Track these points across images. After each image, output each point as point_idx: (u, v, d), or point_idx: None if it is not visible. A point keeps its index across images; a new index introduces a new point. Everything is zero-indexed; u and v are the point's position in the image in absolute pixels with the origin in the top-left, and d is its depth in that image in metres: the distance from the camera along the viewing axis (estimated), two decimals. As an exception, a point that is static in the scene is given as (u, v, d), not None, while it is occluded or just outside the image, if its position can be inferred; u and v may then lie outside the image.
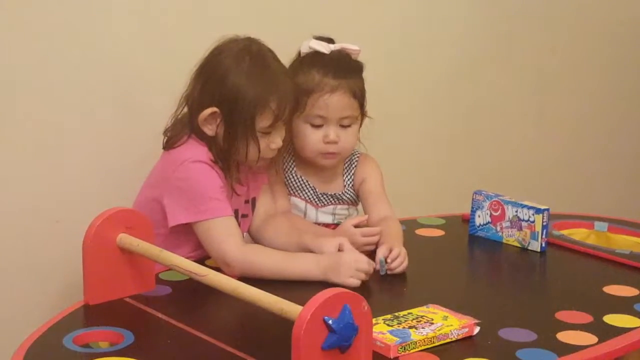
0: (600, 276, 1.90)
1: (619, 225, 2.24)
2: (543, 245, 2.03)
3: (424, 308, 1.63)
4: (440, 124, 2.76)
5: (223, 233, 1.81)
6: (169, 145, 1.89)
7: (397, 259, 1.86)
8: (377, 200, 2.07)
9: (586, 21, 3.04)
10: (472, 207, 2.14)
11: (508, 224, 2.08)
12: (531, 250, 2.05)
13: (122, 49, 2.09)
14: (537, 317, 1.67)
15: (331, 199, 2.09)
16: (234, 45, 1.88)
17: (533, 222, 2.03)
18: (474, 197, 2.14)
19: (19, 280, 2.04)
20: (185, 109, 1.90)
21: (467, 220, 2.17)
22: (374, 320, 1.42)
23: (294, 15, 2.33)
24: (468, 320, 1.58)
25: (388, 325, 1.54)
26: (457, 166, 2.82)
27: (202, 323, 1.59)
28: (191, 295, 1.70)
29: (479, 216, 2.13)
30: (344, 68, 1.99)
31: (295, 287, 1.74)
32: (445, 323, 1.56)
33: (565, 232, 2.18)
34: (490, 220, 2.11)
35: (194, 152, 1.85)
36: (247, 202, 1.98)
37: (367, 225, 1.99)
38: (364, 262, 1.78)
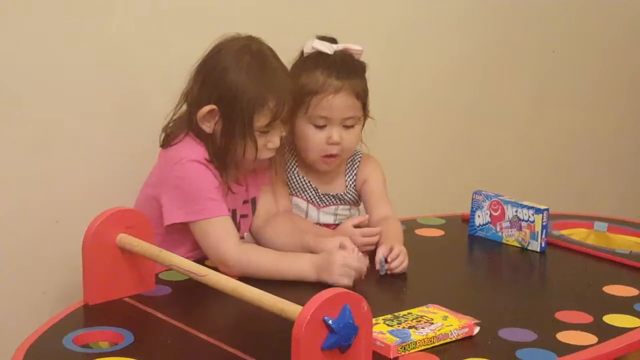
0: (600, 276, 1.90)
1: (618, 225, 2.25)
2: (543, 245, 2.03)
3: (423, 308, 1.63)
4: (440, 124, 2.76)
5: (219, 233, 1.81)
6: (166, 143, 1.89)
7: (397, 258, 1.86)
8: (379, 201, 2.07)
9: (586, 21, 3.04)
10: (472, 207, 2.14)
11: (508, 224, 2.08)
12: (531, 250, 2.05)
13: (123, 50, 2.09)
14: (537, 317, 1.67)
15: (333, 200, 2.09)
16: (234, 43, 1.88)
17: (533, 222, 2.03)
18: (474, 197, 2.14)
19: (19, 280, 2.04)
20: (185, 107, 1.90)
21: (467, 220, 2.17)
22: (374, 320, 1.42)
23: (294, 15, 2.33)
24: (468, 320, 1.58)
25: (388, 325, 1.54)
26: (457, 166, 2.82)
27: (202, 323, 1.59)
28: (191, 295, 1.70)
29: (478, 216, 2.13)
30: (347, 69, 1.99)
31: (296, 287, 1.74)
32: (445, 323, 1.56)
33: (565, 232, 2.18)
34: (490, 220, 2.11)
35: (190, 151, 1.85)
36: (246, 202, 1.98)
37: (367, 226, 1.99)
38: (353, 260, 1.77)
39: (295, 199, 2.07)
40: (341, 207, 2.10)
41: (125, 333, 1.52)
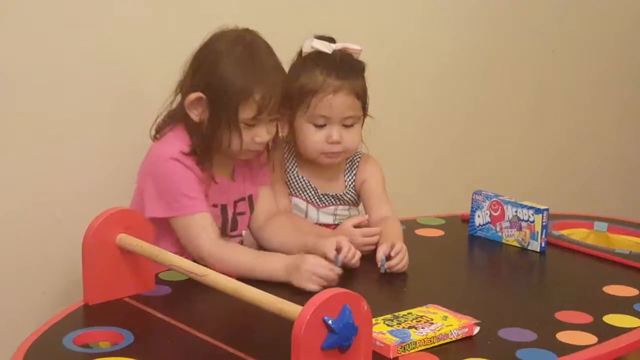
0: (600, 276, 1.90)
1: (618, 225, 2.24)
2: (543, 245, 2.03)
3: (423, 308, 1.63)
4: (440, 124, 2.76)
5: (195, 229, 1.82)
6: (155, 137, 1.91)
7: (399, 255, 1.85)
8: (378, 201, 2.07)
9: (586, 21, 3.04)
10: (472, 207, 2.14)
11: (508, 224, 2.08)
12: (531, 250, 2.05)
13: (123, 49, 2.09)
14: (537, 317, 1.67)
15: (332, 200, 2.09)
16: (230, 34, 1.88)
17: (533, 222, 2.03)
18: (474, 197, 2.14)
19: (19, 280, 2.04)
20: (180, 97, 1.90)
21: (467, 220, 2.17)
22: (373, 320, 1.42)
23: (293, 15, 2.33)
24: (468, 320, 1.58)
25: (388, 325, 1.54)
26: (457, 166, 2.82)
27: (202, 323, 1.59)
28: (191, 295, 1.70)
29: (478, 216, 2.13)
30: (347, 68, 1.99)
31: (295, 287, 1.74)
32: (445, 323, 1.56)
33: (565, 232, 2.18)
34: (489, 220, 2.11)
35: (170, 146, 1.86)
36: (243, 199, 1.98)
37: (367, 226, 2.00)
38: (324, 268, 1.74)
39: (295, 199, 2.07)
40: (340, 207, 2.10)
41: (125, 333, 1.52)
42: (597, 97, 3.15)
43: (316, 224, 2.06)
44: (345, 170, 2.11)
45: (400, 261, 1.86)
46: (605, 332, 1.59)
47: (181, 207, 1.83)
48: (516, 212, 2.06)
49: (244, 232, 1.99)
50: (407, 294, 1.83)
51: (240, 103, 1.83)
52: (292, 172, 2.07)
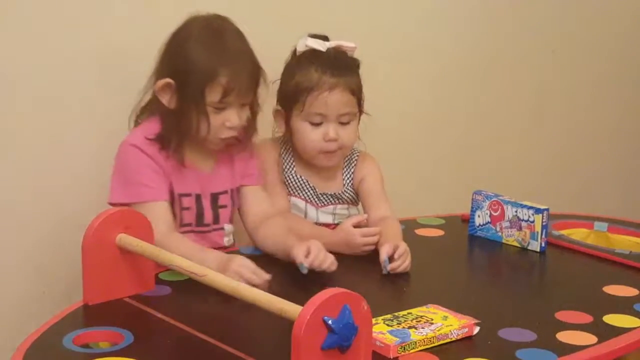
0: (600, 276, 1.90)
1: (618, 225, 2.25)
2: (543, 245, 2.03)
3: (423, 308, 1.63)
4: (440, 124, 2.76)
5: (149, 217, 1.79)
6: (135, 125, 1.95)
7: (402, 256, 1.85)
8: (377, 200, 2.08)
9: (586, 21, 3.04)
10: (472, 207, 2.14)
11: (508, 224, 2.08)
12: (531, 250, 2.05)
13: (123, 50, 2.08)
14: (537, 317, 1.67)
15: (331, 199, 2.09)
16: (200, 19, 1.90)
17: (533, 222, 2.03)
18: (474, 197, 2.14)
19: (19, 280, 2.04)
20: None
21: (467, 220, 2.17)
22: (373, 320, 1.42)
23: (294, 16, 2.33)
24: (468, 320, 1.58)
25: (388, 325, 1.54)
26: (457, 166, 2.82)
27: (202, 323, 1.59)
28: (191, 295, 1.69)
29: (478, 216, 2.13)
30: (341, 66, 2.00)
31: (295, 287, 1.74)
32: (445, 323, 1.56)
33: (565, 232, 2.18)
34: (489, 220, 2.11)
35: (133, 134, 1.89)
36: (225, 192, 1.97)
37: (366, 225, 2.00)
38: (247, 270, 1.71)
39: (294, 199, 2.07)
40: (339, 206, 2.10)
41: (125, 333, 1.52)
42: (597, 97, 3.15)
43: (316, 223, 2.06)
44: (343, 168, 2.11)
45: (402, 263, 1.86)
46: (605, 332, 1.59)
47: (137, 194, 1.85)
48: (516, 212, 2.06)
49: (226, 226, 1.99)
50: (407, 294, 1.83)
51: (206, 85, 1.83)
52: (291, 171, 2.07)
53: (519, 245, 2.07)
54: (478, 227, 2.13)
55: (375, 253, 1.92)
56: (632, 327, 1.62)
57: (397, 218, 2.05)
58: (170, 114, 1.87)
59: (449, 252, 2.07)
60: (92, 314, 1.63)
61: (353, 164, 2.11)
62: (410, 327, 1.54)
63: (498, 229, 2.10)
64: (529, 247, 2.05)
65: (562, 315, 1.67)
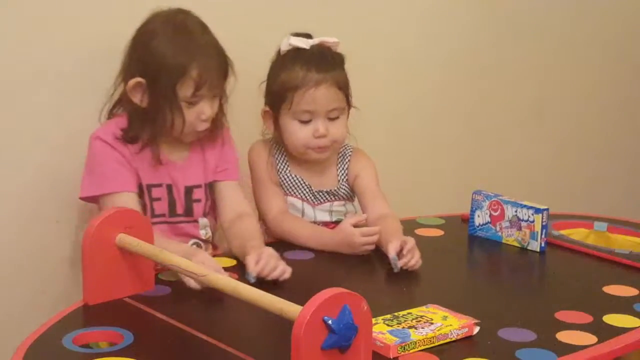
0: (600, 276, 1.90)
1: (618, 225, 2.24)
2: (542, 245, 2.03)
3: (423, 308, 1.63)
4: (440, 124, 2.76)
5: None
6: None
7: (411, 251, 1.85)
8: (374, 198, 2.07)
9: (586, 22, 3.04)
10: (472, 207, 2.14)
11: (507, 223, 2.08)
12: (531, 250, 2.05)
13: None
14: (537, 317, 1.67)
15: (327, 196, 2.09)
16: (161, 14, 1.90)
17: (532, 222, 2.03)
18: (474, 197, 2.14)
19: (19, 280, 2.04)
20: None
21: (467, 220, 2.17)
22: (373, 320, 1.42)
23: (293, 16, 2.33)
24: (468, 320, 1.58)
25: (388, 325, 1.54)
26: (457, 166, 2.82)
27: (202, 323, 1.59)
28: (191, 295, 1.69)
29: (478, 216, 2.13)
30: (326, 61, 2.00)
31: (295, 287, 1.74)
32: (444, 323, 1.56)
33: (564, 232, 2.18)
34: (489, 220, 2.11)
35: (102, 129, 1.89)
36: (198, 186, 1.97)
37: (366, 225, 1.99)
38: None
39: (290, 199, 2.08)
40: (336, 203, 2.10)
41: (125, 333, 1.52)
42: (597, 97, 3.15)
43: (314, 222, 2.06)
44: (337, 164, 2.11)
45: (413, 257, 1.86)
46: (605, 332, 1.59)
47: (102, 186, 1.86)
48: (516, 212, 2.06)
49: (200, 220, 1.99)
50: (407, 294, 1.83)
51: (177, 81, 1.84)
52: (285, 171, 2.08)
53: (518, 245, 2.07)
54: (478, 227, 2.13)
55: (375, 253, 1.92)
56: (632, 327, 1.62)
57: (396, 214, 2.05)
58: (141, 112, 1.88)
59: (448, 252, 2.07)
60: (92, 314, 1.63)
61: (347, 160, 2.11)
62: (410, 327, 1.54)
63: (498, 228, 2.10)
64: (529, 247, 2.05)
65: (562, 315, 1.67)
